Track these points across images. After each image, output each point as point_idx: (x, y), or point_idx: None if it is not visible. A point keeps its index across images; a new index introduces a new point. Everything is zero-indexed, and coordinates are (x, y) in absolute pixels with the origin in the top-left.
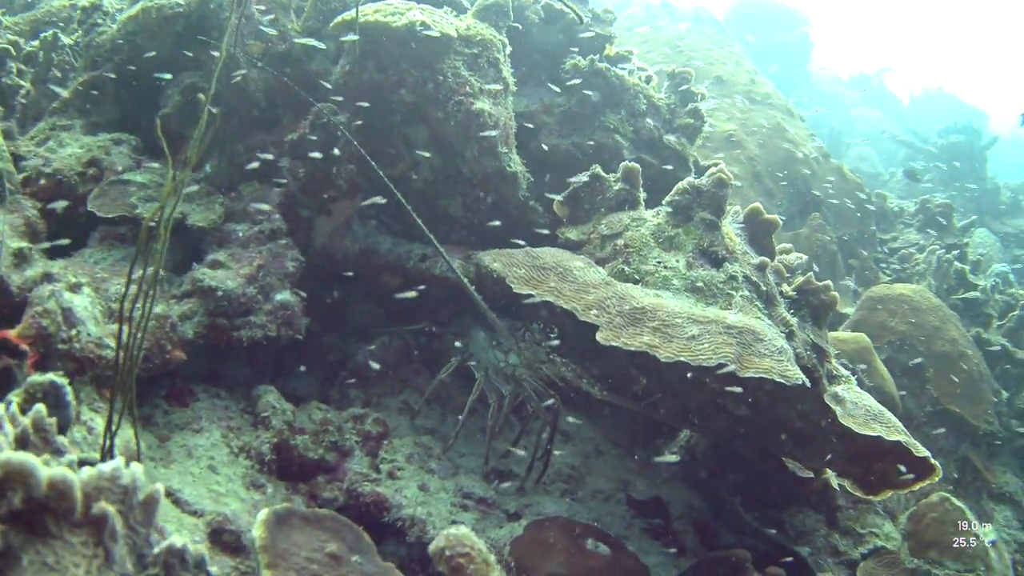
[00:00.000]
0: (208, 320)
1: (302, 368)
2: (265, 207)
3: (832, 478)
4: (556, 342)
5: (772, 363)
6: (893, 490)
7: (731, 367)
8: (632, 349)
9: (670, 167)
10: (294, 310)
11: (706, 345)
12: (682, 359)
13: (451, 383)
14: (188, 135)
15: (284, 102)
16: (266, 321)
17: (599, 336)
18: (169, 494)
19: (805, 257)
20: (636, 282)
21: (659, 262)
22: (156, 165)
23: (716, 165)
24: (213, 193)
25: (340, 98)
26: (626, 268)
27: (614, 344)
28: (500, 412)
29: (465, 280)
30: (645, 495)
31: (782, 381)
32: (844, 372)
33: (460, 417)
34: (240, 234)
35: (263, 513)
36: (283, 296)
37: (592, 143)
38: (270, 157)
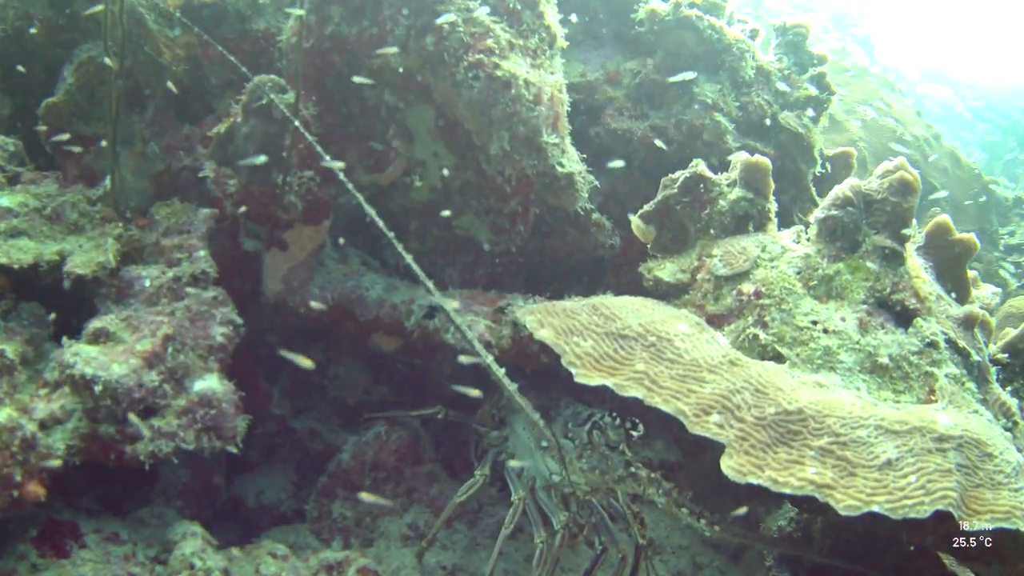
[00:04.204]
0: (87, 427)
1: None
2: (185, 240)
3: None
4: (639, 433)
5: (1011, 499)
6: None
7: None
8: (788, 493)
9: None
10: (222, 408)
11: (912, 479)
12: (875, 508)
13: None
14: (85, 132)
15: (220, 80)
16: (177, 427)
17: (727, 466)
18: None
19: (999, 291)
20: (778, 359)
21: (814, 322)
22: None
23: (846, 152)
24: (112, 220)
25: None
26: (761, 334)
27: (755, 482)
28: (550, 554)
29: (490, 359)
30: None
31: None
32: None
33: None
34: (147, 283)
35: None
36: (205, 384)
37: (680, 126)
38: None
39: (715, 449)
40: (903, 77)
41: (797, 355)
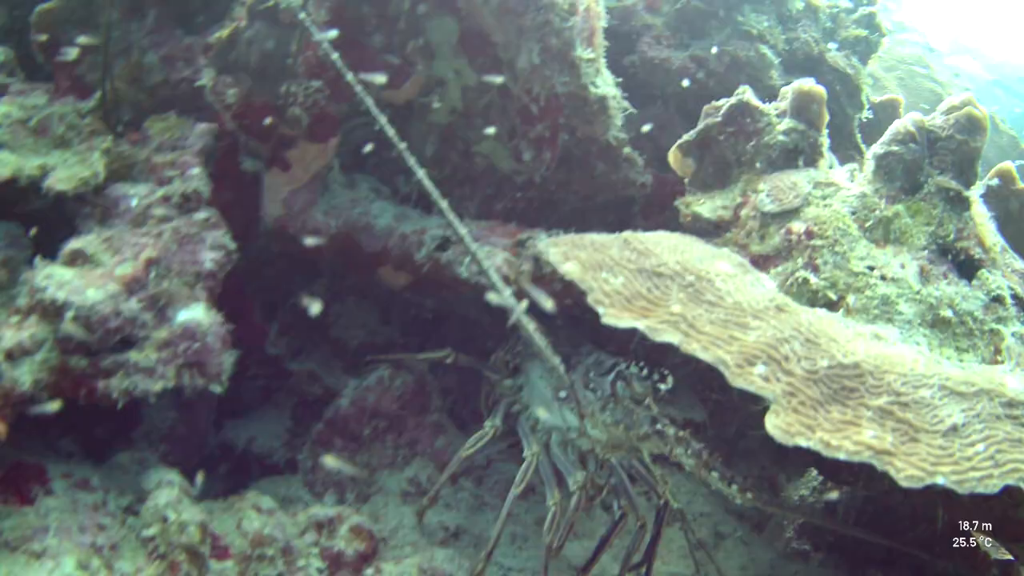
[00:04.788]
0: (57, 360)
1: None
2: (178, 157)
3: None
4: (667, 387)
5: None
6: None
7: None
8: (842, 458)
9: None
10: (207, 341)
11: (980, 448)
12: (939, 480)
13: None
14: (80, 41)
15: None
16: (156, 361)
17: (773, 425)
18: None
19: None
20: (831, 306)
21: (871, 267)
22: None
23: (893, 99)
24: (101, 133)
25: None
26: (812, 278)
27: (805, 445)
28: (564, 518)
29: (507, 292)
30: None
31: None
32: None
33: (498, 522)
34: (133, 203)
35: None
36: (190, 315)
37: (723, 57)
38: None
39: (736, 411)
40: (934, 48)
41: (851, 306)
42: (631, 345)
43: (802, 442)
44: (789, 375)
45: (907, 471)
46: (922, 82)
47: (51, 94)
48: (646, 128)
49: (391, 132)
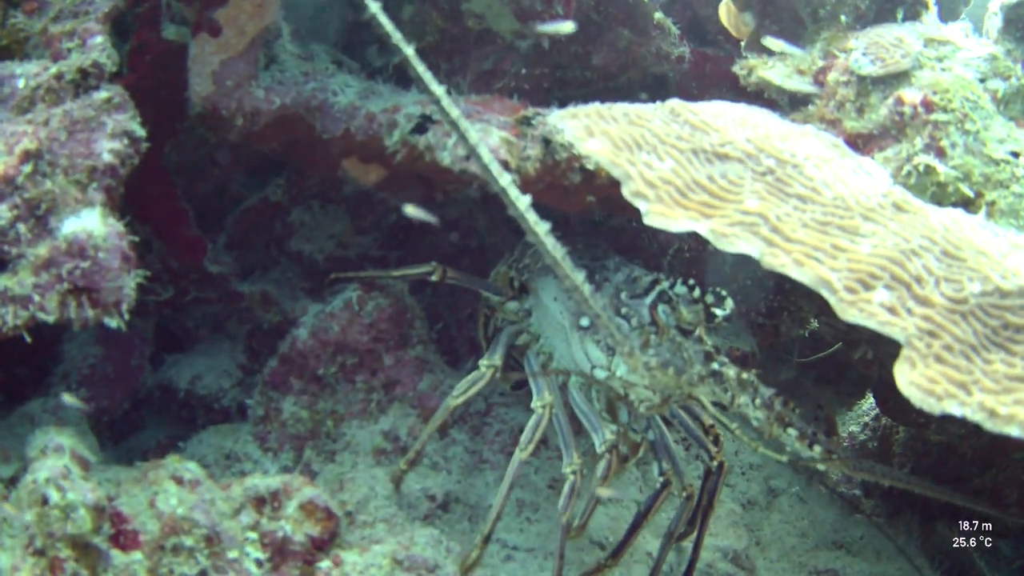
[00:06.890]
0: None
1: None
2: (79, 24)
3: None
4: (725, 313)
5: None
6: None
7: None
8: (1015, 435)
9: None
10: (99, 258)
11: None
12: None
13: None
14: None
15: None
16: (33, 287)
17: (907, 381)
18: None
19: None
20: (967, 205)
21: (1015, 153)
22: None
23: None
24: None
25: None
26: (938, 166)
27: (957, 413)
28: (587, 488)
29: (508, 180)
30: None
31: None
32: None
33: (498, 495)
34: (20, 83)
35: None
36: (80, 224)
37: None
38: None
39: (782, 335)
40: None
41: (992, 203)
42: (665, 257)
43: (952, 409)
44: (925, 304)
45: None
46: None
47: None
48: None
49: None
